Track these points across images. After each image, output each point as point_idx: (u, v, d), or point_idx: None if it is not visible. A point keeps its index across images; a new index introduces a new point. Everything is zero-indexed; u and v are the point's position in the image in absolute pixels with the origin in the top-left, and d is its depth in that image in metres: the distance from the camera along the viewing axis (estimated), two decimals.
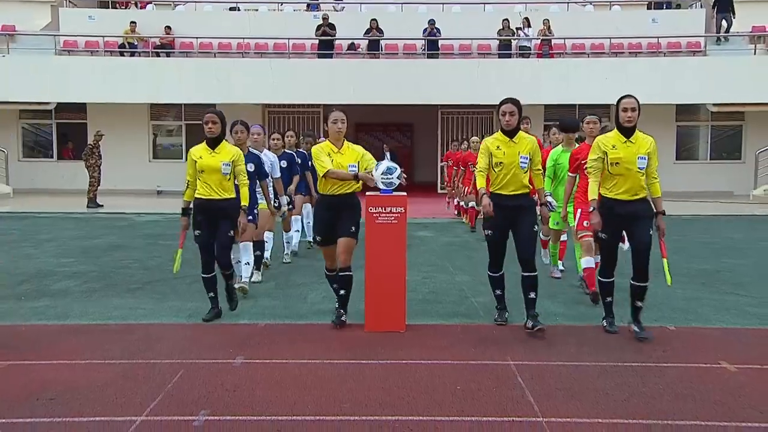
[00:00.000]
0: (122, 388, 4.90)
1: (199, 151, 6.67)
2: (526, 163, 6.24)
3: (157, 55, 22.72)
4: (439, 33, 22.58)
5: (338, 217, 6.34)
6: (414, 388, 4.89)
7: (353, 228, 6.34)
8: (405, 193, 6.48)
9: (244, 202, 6.78)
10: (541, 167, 6.51)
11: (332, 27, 22.46)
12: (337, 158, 6.29)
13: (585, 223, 7.20)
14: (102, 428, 4.21)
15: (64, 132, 24.00)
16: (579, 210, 7.46)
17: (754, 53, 22.55)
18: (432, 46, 22.68)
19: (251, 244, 7.84)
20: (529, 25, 22.67)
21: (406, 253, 6.48)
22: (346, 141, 6.42)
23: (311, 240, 10.56)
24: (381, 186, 6.17)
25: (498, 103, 6.35)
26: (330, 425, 4.28)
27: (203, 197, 6.58)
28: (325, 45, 22.53)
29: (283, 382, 4.99)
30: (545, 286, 8.40)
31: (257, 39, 22.87)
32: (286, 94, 21.60)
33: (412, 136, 27.56)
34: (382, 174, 6.14)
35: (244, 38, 22.70)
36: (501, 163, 6.23)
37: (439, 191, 23.16)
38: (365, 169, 6.31)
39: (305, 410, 4.50)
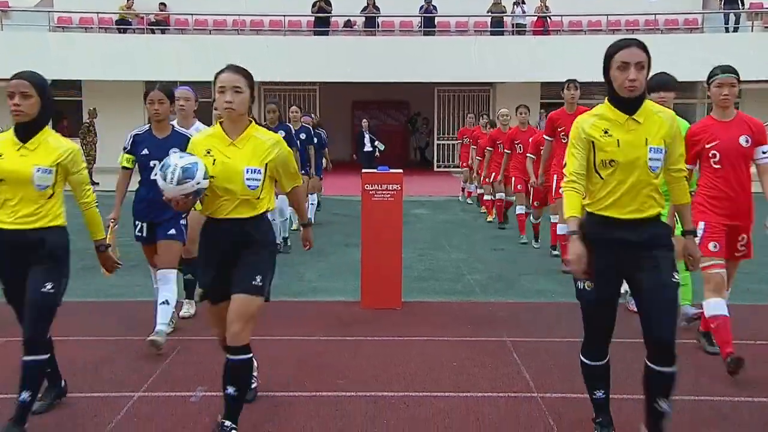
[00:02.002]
0: (119, 364, 4.92)
1: (2, 144, 3.87)
2: (659, 159, 3.44)
3: (152, 32, 22.56)
4: (436, 10, 22.43)
5: (235, 255, 3.76)
6: (410, 365, 4.92)
7: (258, 277, 3.72)
8: (401, 170, 6.49)
9: (97, 233, 4.08)
10: (685, 165, 3.79)
11: (328, 3, 22.29)
12: (225, 157, 3.73)
13: (712, 246, 4.72)
14: (100, 404, 4.23)
15: (59, 109, 23.88)
16: (702, 223, 4.74)
17: (752, 30, 22.46)
18: (428, 23, 22.54)
19: (174, 273, 5.43)
20: (524, 2, 22.54)
21: (402, 230, 6.49)
22: (253, 124, 3.85)
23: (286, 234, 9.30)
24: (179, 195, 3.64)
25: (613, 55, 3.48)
26: (326, 401, 4.31)
27: (3, 227, 3.79)
28: (322, 22, 22.39)
29: (279, 359, 5.01)
30: (538, 263, 8.43)
31: (253, 16, 22.71)
32: (282, 72, 21.47)
33: (409, 114, 27.47)
34: (177, 183, 3.60)
35: (239, 15, 22.53)
36: (613, 161, 3.42)
37: (435, 169, 23.17)
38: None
39: (302, 387, 4.52)
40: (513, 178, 10.08)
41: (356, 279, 6.65)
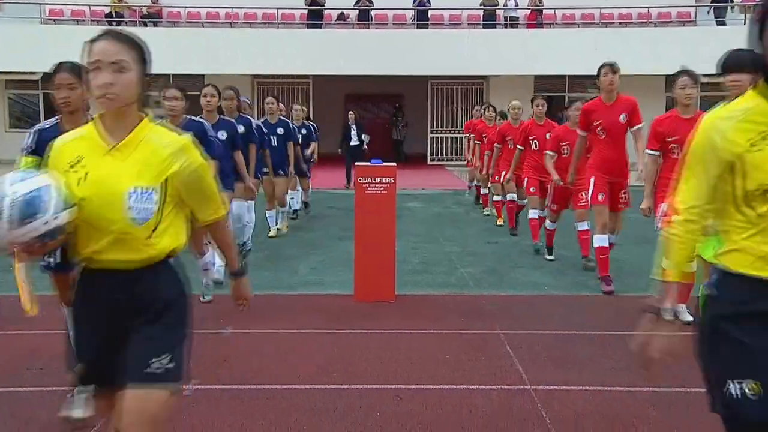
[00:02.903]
0: None
1: None
2: None
3: (144, 24, 22.46)
4: (429, 3, 22.42)
5: (124, 327, 2.52)
6: (403, 358, 4.93)
7: (164, 358, 2.49)
8: (394, 164, 6.50)
9: None
10: None
11: None
12: (99, 170, 2.45)
13: None
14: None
15: (50, 102, 23.77)
16: None
17: (744, 23, 22.50)
18: (422, 16, 22.53)
19: None
20: None
21: (395, 223, 6.49)
22: (147, 121, 2.53)
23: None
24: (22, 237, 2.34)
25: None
26: (320, 394, 4.31)
27: None
28: (315, 15, 22.34)
29: (272, 352, 5.01)
30: (531, 256, 8.45)
31: (246, 9, 22.65)
32: (275, 65, 21.42)
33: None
34: (19, 223, 2.30)
35: (232, 8, 22.47)
36: None
37: (429, 162, 23.16)
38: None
39: (295, 380, 4.52)
40: (526, 179, 8.71)
41: (350, 272, 6.65)
